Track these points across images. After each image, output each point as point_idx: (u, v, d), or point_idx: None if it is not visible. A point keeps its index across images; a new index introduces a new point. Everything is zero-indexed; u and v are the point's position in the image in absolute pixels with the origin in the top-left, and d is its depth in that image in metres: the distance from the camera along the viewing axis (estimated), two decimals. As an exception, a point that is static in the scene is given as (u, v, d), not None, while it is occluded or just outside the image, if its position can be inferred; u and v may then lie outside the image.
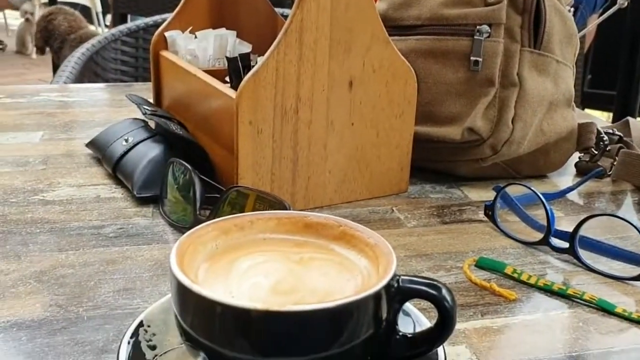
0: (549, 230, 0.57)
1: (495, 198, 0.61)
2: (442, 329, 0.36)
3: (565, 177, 0.75)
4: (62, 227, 0.59)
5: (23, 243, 0.56)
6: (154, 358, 0.38)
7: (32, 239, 0.56)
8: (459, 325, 0.46)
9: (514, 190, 0.62)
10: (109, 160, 0.69)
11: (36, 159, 0.75)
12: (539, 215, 0.61)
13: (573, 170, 0.76)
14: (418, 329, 0.39)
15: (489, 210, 0.61)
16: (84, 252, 0.54)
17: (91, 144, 0.74)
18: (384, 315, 0.35)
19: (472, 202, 0.67)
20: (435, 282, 0.36)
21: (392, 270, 0.35)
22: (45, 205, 0.63)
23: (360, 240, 0.39)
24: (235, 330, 0.33)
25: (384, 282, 0.34)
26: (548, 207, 0.57)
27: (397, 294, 0.35)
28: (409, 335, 0.37)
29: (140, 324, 0.40)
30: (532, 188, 0.59)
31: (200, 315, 0.34)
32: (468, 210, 0.65)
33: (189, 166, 0.58)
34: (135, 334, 0.39)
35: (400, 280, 0.36)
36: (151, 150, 0.65)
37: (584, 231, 0.55)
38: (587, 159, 0.74)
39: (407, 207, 0.65)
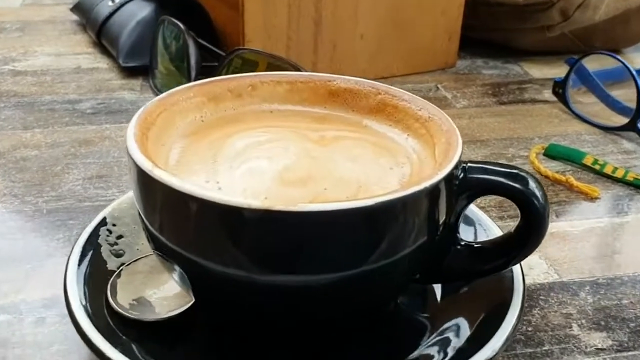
0: (638, 112, 0.44)
1: (569, 72, 0.48)
2: (527, 237, 0.25)
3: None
4: (32, 101, 0.48)
5: (-19, 119, 0.45)
6: (118, 269, 0.27)
7: (-7, 114, 0.46)
8: (529, 231, 0.35)
9: (592, 64, 0.50)
10: (93, 24, 0.57)
11: (13, 25, 0.63)
12: (621, 95, 0.48)
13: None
14: (483, 238, 0.28)
15: (559, 87, 0.49)
16: (54, 130, 0.44)
17: (76, 8, 0.62)
18: (442, 218, 0.24)
19: (534, 79, 0.55)
20: (518, 171, 0.24)
21: (455, 155, 0.24)
22: (15, 76, 0.52)
23: (408, 112, 0.28)
24: (221, 237, 0.22)
25: (445, 171, 0.23)
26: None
27: (462, 188, 0.24)
28: (476, 246, 0.26)
29: (103, 222, 0.29)
30: (620, 58, 0.47)
31: (171, 215, 0.23)
32: (530, 89, 0.53)
33: (181, 25, 0.46)
34: (95, 234, 0.29)
35: (467, 169, 0.24)
36: (140, 10, 0.53)
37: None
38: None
39: (455, 85, 0.54)
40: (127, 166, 0.24)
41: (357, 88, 0.29)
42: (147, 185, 0.22)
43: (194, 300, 0.25)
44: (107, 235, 0.29)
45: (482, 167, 0.24)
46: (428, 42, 0.54)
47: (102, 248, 0.28)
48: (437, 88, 0.53)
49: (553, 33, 0.56)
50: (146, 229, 0.24)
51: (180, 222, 0.22)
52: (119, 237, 0.29)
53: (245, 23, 0.47)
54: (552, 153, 0.43)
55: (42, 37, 0.61)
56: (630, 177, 0.40)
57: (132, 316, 0.25)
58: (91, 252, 0.28)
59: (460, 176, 0.24)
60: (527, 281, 0.31)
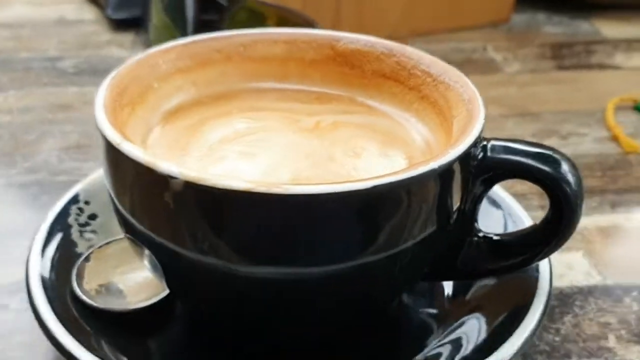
0: None
1: None
2: (555, 231, 0.26)
3: None
4: (6, 58, 0.53)
5: (-53, 78, 0.49)
6: (88, 251, 0.29)
7: (-39, 72, 0.49)
8: (576, 222, 0.36)
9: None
10: (81, -32, 0.59)
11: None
12: None
13: None
14: (511, 229, 0.30)
15: None
16: (30, 92, 0.49)
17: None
18: (456, 204, 0.25)
19: (606, 39, 0.58)
20: (549, 152, 0.26)
21: (475, 130, 0.25)
22: (-12, 29, 0.56)
23: (424, 80, 0.29)
24: (199, 221, 0.23)
25: (460, 149, 0.24)
26: None
27: (481, 169, 0.26)
28: (495, 238, 0.28)
29: (75, 199, 0.32)
30: None
31: (142, 196, 0.24)
32: (600, 52, 0.56)
33: (179, -30, 0.48)
34: (65, 213, 0.31)
35: (489, 148, 0.25)
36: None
37: None
38: None
39: (507, 45, 0.57)
40: (99, 141, 0.26)
41: (367, 49, 0.31)
42: (116, 161, 0.24)
43: (167, 290, 0.27)
44: (78, 215, 0.31)
45: (506, 146, 0.26)
46: (477, -7, 0.57)
47: (72, 229, 0.31)
48: (485, 49, 0.56)
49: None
50: (116, 210, 0.26)
51: (152, 204, 0.24)
52: (92, 216, 0.31)
53: (255, -32, 0.48)
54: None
55: (21, -18, 0.64)
56: None
57: (99, 305, 0.27)
58: (60, 233, 0.31)
59: (480, 156, 0.25)
60: (563, 283, 0.34)
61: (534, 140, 0.42)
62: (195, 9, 0.49)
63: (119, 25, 0.57)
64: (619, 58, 0.54)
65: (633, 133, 0.45)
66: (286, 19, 0.45)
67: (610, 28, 0.59)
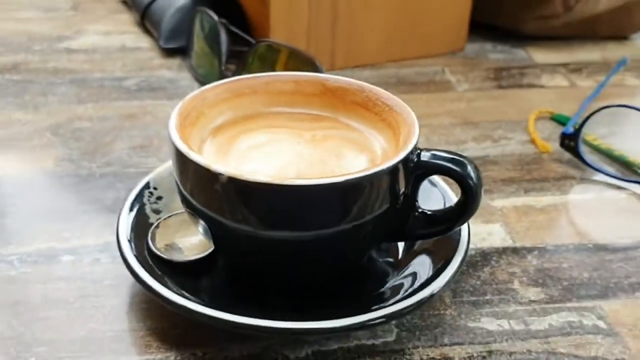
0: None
1: (580, 128, 0.48)
2: (465, 209, 0.34)
3: (649, 40, 0.69)
4: (84, 77, 0.58)
5: (42, 93, 0.55)
6: (157, 221, 0.37)
7: (52, 89, 0.56)
8: (496, 203, 0.44)
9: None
10: (138, 7, 0.67)
11: (66, 4, 0.73)
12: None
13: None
14: (445, 204, 0.38)
15: (570, 140, 0.48)
16: (103, 105, 0.54)
17: (122, -11, 0.72)
18: (401, 190, 0.33)
19: (537, 64, 0.63)
20: (459, 158, 0.33)
21: (412, 143, 0.33)
22: (70, 54, 0.62)
23: (383, 107, 0.37)
24: (236, 202, 0.31)
25: (402, 155, 0.32)
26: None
27: (416, 168, 0.33)
28: (429, 213, 0.35)
29: (147, 186, 0.39)
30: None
31: (199, 184, 0.33)
32: (531, 74, 0.61)
33: (215, 17, 0.55)
34: (140, 195, 0.39)
35: (421, 154, 0.33)
36: (179, -2, 0.62)
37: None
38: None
39: (461, 69, 0.62)
40: (169, 148, 0.33)
41: (347, 86, 0.38)
42: (183, 163, 0.32)
43: (213, 247, 0.35)
44: (149, 196, 0.39)
45: (432, 153, 0.33)
46: (438, 28, 0.62)
47: (145, 206, 0.38)
48: (443, 71, 0.61)
49: (557, 22, 0.64)
50: (180, 192, 0.34)
51: (206, 190, 0.32)
52: (159, 197, 0.39)
53: (271, 13, 0.56)
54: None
55: (92, 15, 0.71)
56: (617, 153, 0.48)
57: (166, 257, 0.35)
58: (137, 208, 0.38)
59: (415, 160, 0.33)
60: (485, 245, 0.40)
61: (474, 142, 0.50)
62: (228, 42, 0.55)
63: (169, 52, 0.61)
64: (545, 79, 0.59)
65: (547, 137, 0.51)
66: (294, 54, 0.53)
67: (540, 55, 0.64)
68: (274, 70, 0.53)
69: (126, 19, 0.70)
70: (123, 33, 0.66)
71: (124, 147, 0.49)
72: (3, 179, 0.45)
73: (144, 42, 0.65)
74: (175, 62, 0.61)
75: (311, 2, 0.56)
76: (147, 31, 0.66)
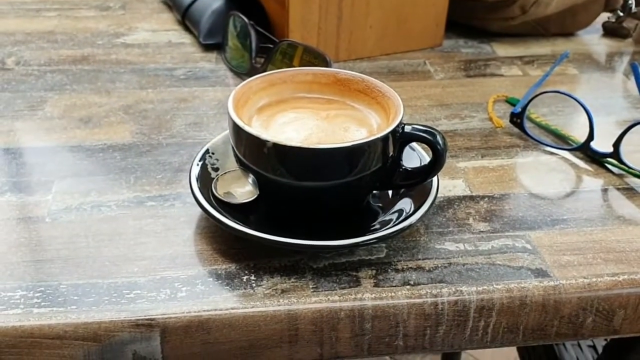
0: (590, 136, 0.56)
1: (524, 109, 0.59)
2: (434, 166, 0.46)
3: (591, 35, 0.80)
4: (142, 67, 0.70)
5: (111, 81, 0.67)
6: (216, 176, 0.50)
7: (118, 77, 0.68)
8: (459, 164, 0.56)
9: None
10: (179, 8, 0.78)
11: (116, 4, 0.85)
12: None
13: (599, 28, 0.81)
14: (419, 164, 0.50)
15: (517, 117, 0.59)
16: (161, 90, 0.66)
17: (163, -8, 0.84)
18: (390, 153, 0.45)
19: (498, 57, 0.74)
20: (431, 129, 0.46)
21: (398, 119, 0.45)
22: (127, 48, 0.74)
23: (378, 93, 0.49)
24: (277, 160, 0.44)
25: (391, 127, 0.44)
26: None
27: (401, 137, 0.45)
28: (409, 169, 0.47)
29: (207, 151, 0.52)
30: (572, 95, 0.57)
31: (250, 148, 0.45)
32: (493, 65, 0.72)
33: (245, 19, 0.67)
34: (202, 158, 0.51)
35: (404, 127, 0.46)
36: (215, 2, 0.74)
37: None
38: (614, 20, 0.79)
39: (438, 61, 0.73)
40: (228, 122, 0.46)
41: (352, 77, 0.50)
42: (239, 133, 0.44)
43: (258, 193, 0.47)
44: (210, 158, 0.51)
45: (412, 127, 0.46)
46: (421, 28, 0.74)
47: (207, 166, 0.51)
48: (425, 63, 0.72)
49: (515, 22, 0.76)
50: (235, 154, 0.46)
51: (255, 152, 0.44)
52: (216, 159, 0.51)
53: (290, 17, 0.68)
54: (512, 101, 0.64)
55: (139, 14, 0.82)
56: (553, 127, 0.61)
57: (225, 200, 0.47)
58: (202, 167, 0.49)
59: (400, 131, 0.45)
60: (449, 194, 0.52)
61: (446, 120, 0.63)
62: (256, 39, 0.66)
63: (207, 47, 0.72)
64: (504, 69, 0.70)
65: (501, 115, 0.62)
66: (307, 50, 0.65)
67: (502, 49, 0.75)
68: (292, 62, 0.65)
69: (168, 18, 0.81)
70: (168, 30, 0.78)
71: (181, 123, 0.60)
72: (92, 148, 0.57)
73: (186, 38, 0.76)
74: (213, 55, 0.72)
75: (321, 7, 0.68)
76: (187, 29, 0.77)
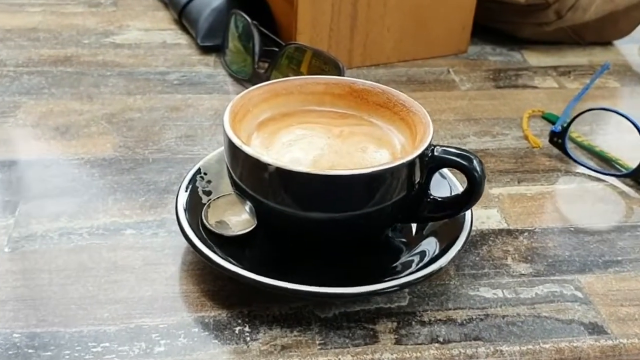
0: None
1: (567, 127, 0.52)
2: (470, 197, 0.38)
3: (629, 45, 0.72)
4: (131, 71, 0.62)
5: (95, 85, 0.60)
6: (207, 202, 0.42)
7: (103, 81, 0.60)
8: (493, 190, 0.49)
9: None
10: (175, 6, 0.71)
11: (107, 0, 0.77)
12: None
13: (635, 37, 0.73)
14: (454, 193, 0.42)
15: (558, 137, 0.52)
16: (150, 97, 0.58)
17: (159, -12, 0.76)
18: (417, 180, 0.38)
19: (530, 67, 0.67)
20: (467, 154, 0.38)
21: (427, 140, 0.37)
22: (115, 49, 0.66)
23: (402, 107, 0.41)
24: (279, 187, 0.36)
25: (419, 151, 0.37)
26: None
27: (430, 162, 0.38)
28: (439, 199, 0.40)
29: (198, 171, 0.44)
30: (621, 112, 0.50)
31: (248, 171, 0.37)
32: (525, 76, 0.65)
33: (248, 19, 0.60)
34: (192, 180, 0.43)
35: (434, 150, 0.38)
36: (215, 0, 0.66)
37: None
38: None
39: (464, 69, 0.66)
40: (223, 139, 0.38)
41: (370, 88, 0.42)
42: (236, 153, 0.37)
43: (256, 224, 0.40)
44: (201, 180, 0.43)
45: (444, 149, 0.38)
46: (444, 31, 0.66)
47: (198, 189, 0.43)
48: (448, 72, 0.65)
49: (550, 28, 0.68)
50: (230, 176, 0.39)
51: (255, 176, 0.37)
52: (209, 181, 0.44)
53: (298, 16, 0.60)
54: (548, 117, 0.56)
55: (132, 12, 0.75)
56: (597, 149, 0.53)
57: (217, 231, 0.40)
58: (191, 190, 0.42)
59: (429, 155, 0.38)
60: (482, 227, 0.45)
61: (475, 137, 0.55)
62: (260, 42, 0.59)
63: (205, 49, 0.65)
64: (537, 80, 0.63)
65: (538, 134, 0.55)
66: (317, 55, 0.57)
67: (534, 58, 0.67)
68: (300, 68, 0.57)
69: (163, 16, 0.74)
70: (162, 30, 0.70)
71: (171, 136, 0.53)
72: (67, 163, 0.49)
73: (183, 39, 0.69)
74: (212, 58, 0.65)
75: (334, 7, 0.60)
76: (184, 29, 0.70)
